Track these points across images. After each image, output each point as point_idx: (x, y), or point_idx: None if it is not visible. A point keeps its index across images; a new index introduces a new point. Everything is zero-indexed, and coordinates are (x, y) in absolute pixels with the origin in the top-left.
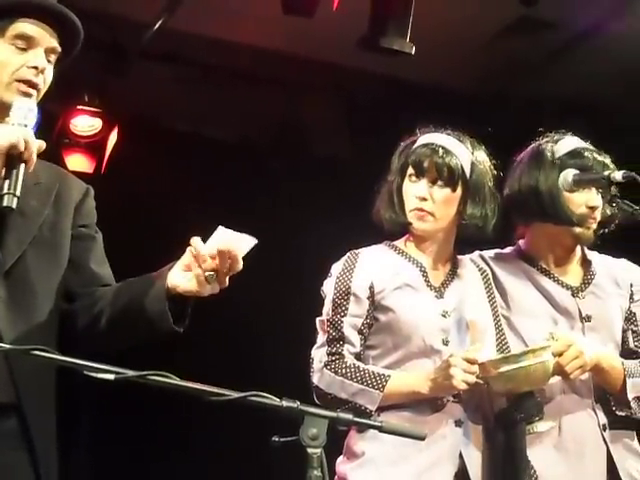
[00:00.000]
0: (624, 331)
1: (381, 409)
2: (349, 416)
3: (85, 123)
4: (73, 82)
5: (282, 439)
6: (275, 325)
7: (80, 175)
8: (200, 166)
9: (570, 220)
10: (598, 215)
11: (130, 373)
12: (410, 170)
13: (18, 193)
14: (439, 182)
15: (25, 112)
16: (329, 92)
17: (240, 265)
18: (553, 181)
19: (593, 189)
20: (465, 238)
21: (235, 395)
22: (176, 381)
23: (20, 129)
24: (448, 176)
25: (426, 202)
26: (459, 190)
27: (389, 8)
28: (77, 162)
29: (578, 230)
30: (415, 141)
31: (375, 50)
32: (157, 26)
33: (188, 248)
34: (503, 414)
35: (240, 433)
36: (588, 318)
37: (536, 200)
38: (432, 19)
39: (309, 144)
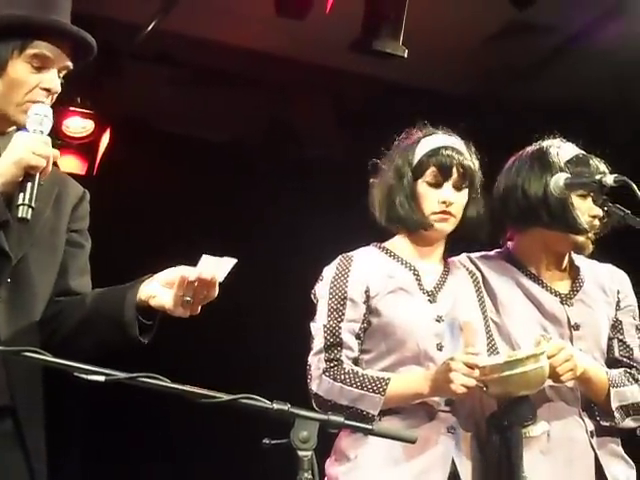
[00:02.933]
0: (610, 339)
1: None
2: (340, 419)
3: (77, 124)
4: (65, 83)
5: (273, 442)
6: (266, 328)
7: (72, 177)
8: (192, 167)
9: (579, 228)
10: (597, 223)
11: (121, 375)
12: (432, 172)
13: (34, 204)
14: (463, 185)
15: (41, 118)
16: (321, 94)
17: (215, 293)
18: (552, 186)
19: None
20: (456, 240)
21: (225, 397)
22: (166, 383)
23: (39, 143)
24: (470, 180)
25: (452, 206)
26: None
27: (382, 11)
28: (69, 163)
29: (581, 239)
30: (417, 141)
31: (368, 53)
32: (150, 28)
33: (174, 268)
34: (497, 418)
35: (231, 436)
36: (577, 327)
37: (545, 206)
38: (425, 22)
39: (300, 146)
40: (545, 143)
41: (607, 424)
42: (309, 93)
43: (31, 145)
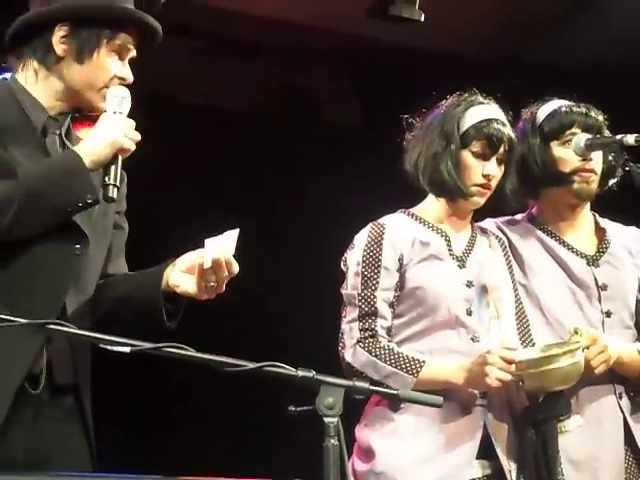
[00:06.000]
0: (638, 302)
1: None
2: (365, 384)
3: None
4: None
5: (299, 409)
6: (292, 298)
7: None
8: (211, 138)
9: (564, 178)
10: (596, 167)
11: (146, 345)
12: (481, 144)
13: (118, 184)
14: (505, 159)
15: (120, 100)
16: (339, 61)
17: (235, 267)
18: (537, 146)
19: (577, 142)
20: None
21: (251, 365)
22: (191, 352)
23: (130, 127)
24: (511, 155)
25: (493, 179)
26: None
27: None
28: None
29: (577, 186)
30: (466, 108)
31: (384, 18)
32: None
33: (190, 253)
34: (532, 413)
35: (257, 404)
36: (604, 287)
37: (535, 168)
38: None
39: (321, 114)
40: (536, 106)
41: None
42: (327, 59)
43: (123, 128)
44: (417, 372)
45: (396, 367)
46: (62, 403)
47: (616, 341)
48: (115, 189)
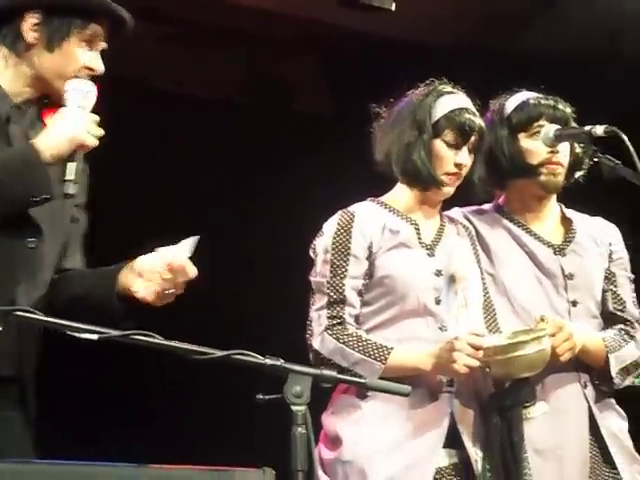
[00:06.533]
0: (604, 291)
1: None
2: (333, 373)
3: None
4: None
5: (266, 397)
6: (262, 286)
7: None
8: (181, 125)
9: (531, 170)
10: (563, 159)
11: (113, 333)
12: (452, 133)
13: (77, 179)
14: (476, 149)
15: (84, 94)
16: (311, 50)
17: (192, 272)
18: (505, 137)
19: (546, 132)
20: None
21: (218, 353)
22: (159, 340)
23: (93, 123)
24: (480, 144)
25: (464, 168)
26: None
27: None
28: None
29: (543, 178)
30: (437, 97)
31: (356, 7)
32: None
33: (146, 257)
34: (498, 399)
35: (224, 392)
36: (571, 276)
37: (503, 159)
38: None
39: (292, 101)
40: (504, 97)
41: (605, 389)
42: (298, 48)
43: (85, 124)
44: (385, 359)
45: (364, 354)
46: (6, 393)
47: (582, 329)
48: (73, 185)
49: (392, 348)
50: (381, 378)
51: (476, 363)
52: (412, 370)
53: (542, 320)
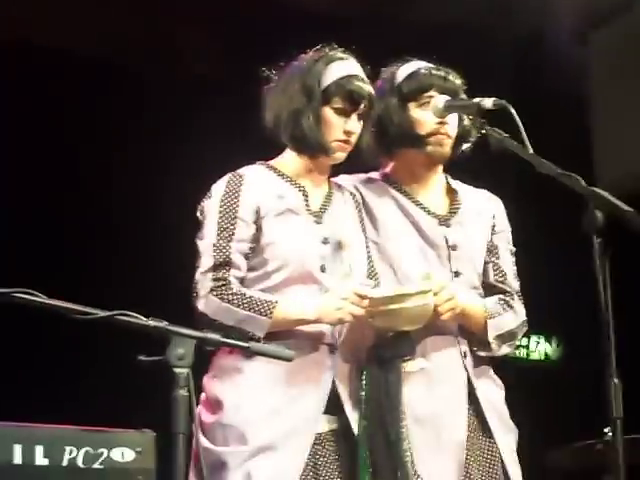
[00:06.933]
0: (486, 263)
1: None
2: (217, 337)
3: None
4: None
5: (149, 358)
6: (148, 248)
7: None
8: (65, 84)
9: (419, 140)
10: (451, 131)
11: None
12: (342, 100)
13: None
14: (365, 116)
15: None
16: (202, 12)
17: None
18: (394, 106)
19: (436, 103)
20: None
21: (101, 314)
22: (42, 299)
23: None
24: (370, 112)
25: (353, 135)
26: None
27: None
28: None
29: (431, 149)
30: (326, 63)
31: None
32: None
33: None
34: (378, 351)
35: (106, 352)
36: (454, 247)
37: (391, 128)
38: None
39: (180, 63)
40: (395, 66)
41: (484, 354)
42: (189, 10)
43: None
44: (271, 313)
45: (250, 310)
46: None
47: (462, 293)
48: None
49: (277, 301)
50: (269, 335)
51: (361, 311)
52: (298, 321)
53: (428, 277)
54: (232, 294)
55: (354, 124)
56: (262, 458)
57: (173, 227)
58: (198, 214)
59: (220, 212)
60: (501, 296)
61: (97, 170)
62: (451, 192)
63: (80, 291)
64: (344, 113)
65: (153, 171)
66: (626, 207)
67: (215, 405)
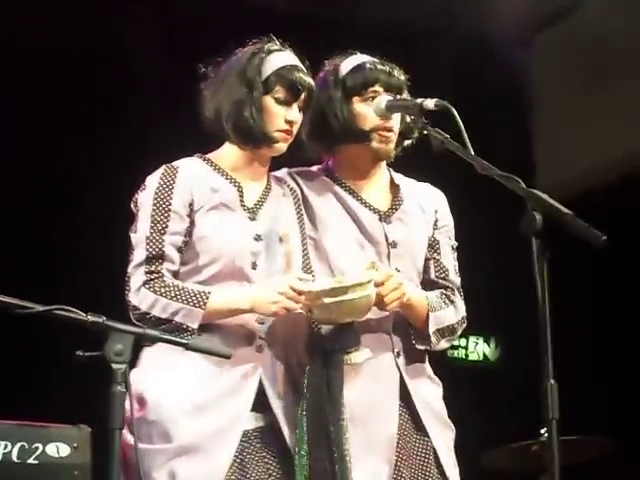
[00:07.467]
0: (427, 259)
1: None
2: (156, 333)
3: None
4: None
5: (86, 354)
6: (85, 240)
7: None
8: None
9: (363, 135)
10: (394, 127)
11: None
12: (283, 90)
13: None
14: (305, 107)
15: None
16: (149, 9)
17: None
18: (338, 99)
19: (378, 103)
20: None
21: (39, 308)
22: None
23: None
24: (310, 103)
25: (294, 125)
26: None
27: None
28: None
29: (375, 145)
30: (267, 54)
31: None
32: None
33: None
34: (320, 344)
35: (44, 348)
36: (394, 244)
37: (334, 122)
38: None
39: (122, 57)
40: (339, 58)
41: (422, 347)
42: (136, 6)
43: None
44: (204, 304)
45: (183, 302)
46: None
47: (406, 283)
48: None
49: (210, 292)
50: (202, 326)
51: (296, 307)
52: (232, 311)
53: (373, 267)
54: (165, 286)
55: (295, 114)
56: (187, 458)
57: (110, 220)
58: (132, 206)
59: (154, 205)
60: (443, 290)
61: (38, 162)
62: (394, 187)
63: (26, 287)
64: (285, 103)
65: (92, 164)
66: (564, 209)
67: (140, 401)
